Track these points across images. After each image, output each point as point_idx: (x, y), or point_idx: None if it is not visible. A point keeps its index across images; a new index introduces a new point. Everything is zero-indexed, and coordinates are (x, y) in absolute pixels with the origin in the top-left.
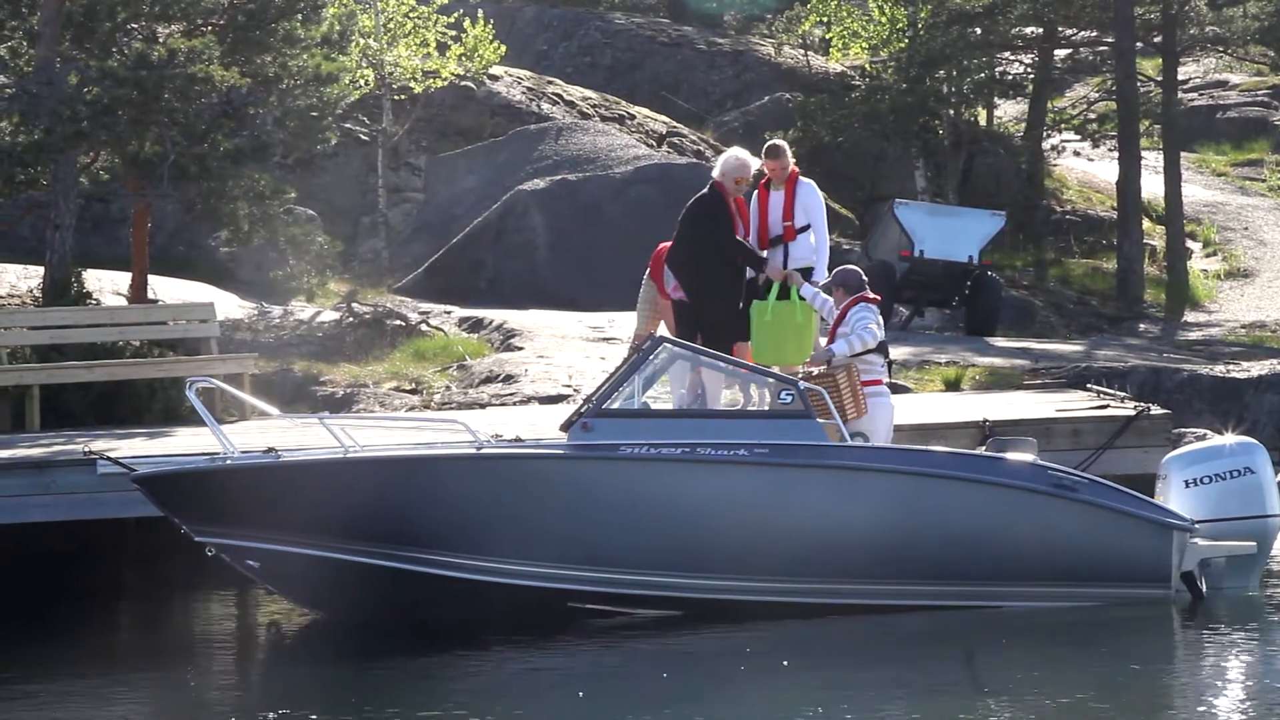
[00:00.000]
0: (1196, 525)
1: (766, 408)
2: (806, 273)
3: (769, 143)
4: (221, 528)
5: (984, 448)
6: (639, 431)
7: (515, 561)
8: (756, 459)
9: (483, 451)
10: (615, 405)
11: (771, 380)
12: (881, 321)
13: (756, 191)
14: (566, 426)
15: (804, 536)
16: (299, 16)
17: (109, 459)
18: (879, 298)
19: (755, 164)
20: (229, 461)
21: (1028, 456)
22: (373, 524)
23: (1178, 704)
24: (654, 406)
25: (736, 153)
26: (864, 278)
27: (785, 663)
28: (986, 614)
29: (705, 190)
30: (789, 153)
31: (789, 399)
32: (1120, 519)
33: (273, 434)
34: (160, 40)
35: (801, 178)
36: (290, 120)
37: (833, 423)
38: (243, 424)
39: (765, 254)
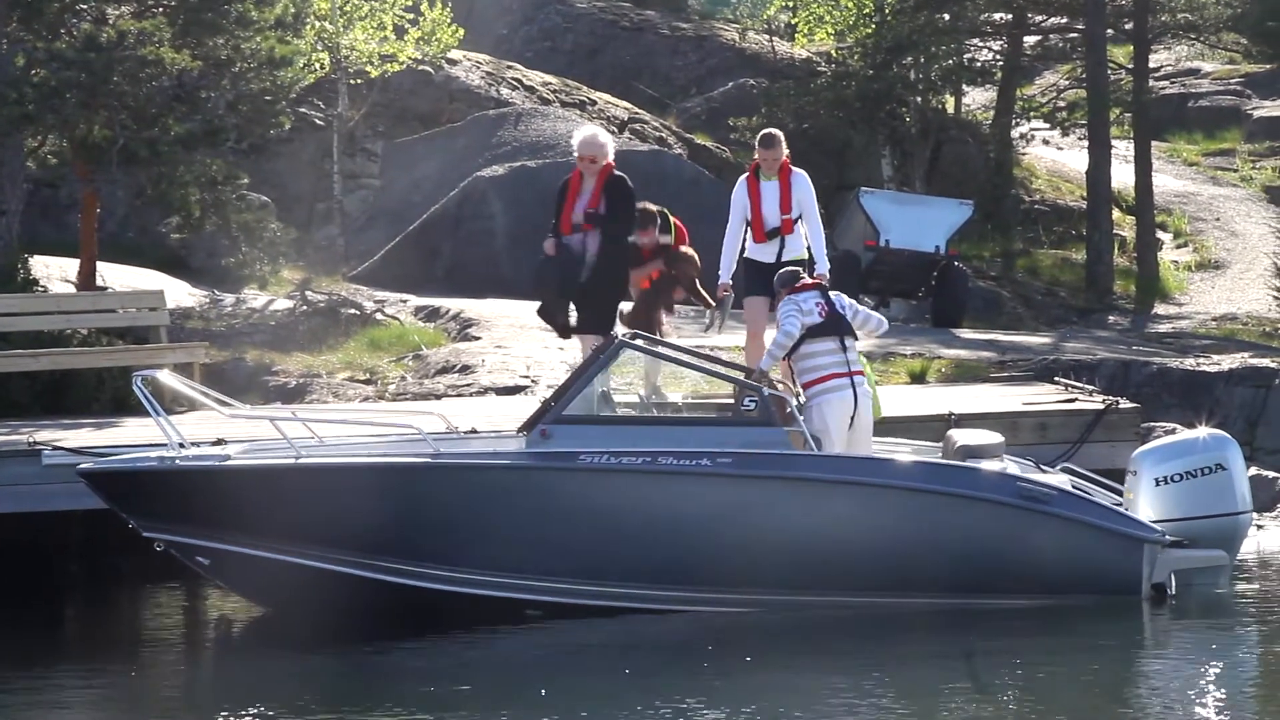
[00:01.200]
0: (1168, 523)
1: (729, 414)
2: (803, 264)
3: (764, 131)
4: (170, 524)
5: (947, 438)
6: (599, 438)
7: (470, 570)
8: (718, 469)
9: (438, 459)
10: (574, 411)
11: (734, 386)
12: (812, 306)
13: (745, 179)
14: (526, 428)
15: (767, 547)
16: None
17: (56, 449)
18: (811, 281)
19: (606, 139)
20: (177, 461)
21: (995, 464)
22: (322, 529)
23: (1143, 703)
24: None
25: (582, 130)
26: (798, 270)
27: (748, 659)
28: (951, 611)
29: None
30: (783, 143)
31: (752, 406)
32: (1090, 531)
33: (224, 423)
34: (110, 22)
35: (795, 169)
36: (243, 104)
37: (798, 430)
38: (193, 414)
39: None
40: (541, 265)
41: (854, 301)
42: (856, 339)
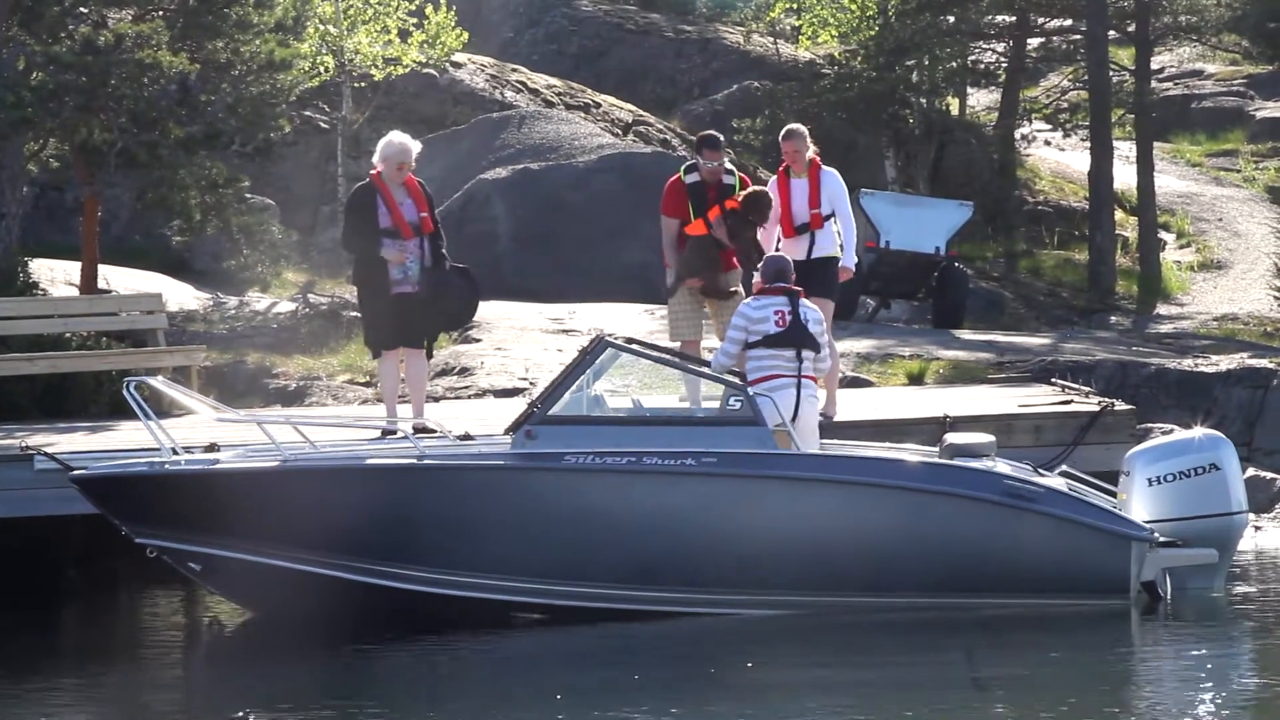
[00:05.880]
0: (1161, 523)
1: (715, 413)
2: (832, 262)
3: (787, 126)
4: (161, 529)
5: (940, 444)
6: (584, 439)
7: (457, 572)
8: (704, 469)
9: (424, 461)
10: (560, 412)
11: (720, 386)
12: (768, 314)
13: (776, 178)
14: (512, 429)
15: (753, 547)
16: (251, 1)
17: (46, 455)
18: (782, 287)
19: (416, 147)
20: (167, 465)
21: (985, 461)
22: (311, 532)
23: (1134, 706)
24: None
25: (392, 137)
26: (785, 267)
27: (749, 665)
28: (941, 615)
29: (364, 180)
30: (807, 138)
31: (737, 405)
32: (1078, 530)
33: (218, 428)
34: (109, 25)
35: (825, 167)
36: (242, 107)
37: (784, 430)
38: (188, 418)
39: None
40: (444, 277)
41: (822, 320)
42: (817, 352)
